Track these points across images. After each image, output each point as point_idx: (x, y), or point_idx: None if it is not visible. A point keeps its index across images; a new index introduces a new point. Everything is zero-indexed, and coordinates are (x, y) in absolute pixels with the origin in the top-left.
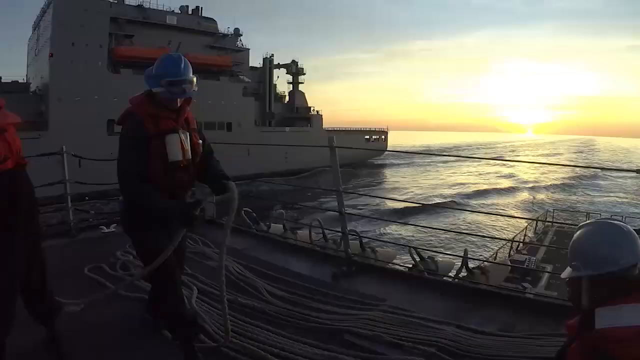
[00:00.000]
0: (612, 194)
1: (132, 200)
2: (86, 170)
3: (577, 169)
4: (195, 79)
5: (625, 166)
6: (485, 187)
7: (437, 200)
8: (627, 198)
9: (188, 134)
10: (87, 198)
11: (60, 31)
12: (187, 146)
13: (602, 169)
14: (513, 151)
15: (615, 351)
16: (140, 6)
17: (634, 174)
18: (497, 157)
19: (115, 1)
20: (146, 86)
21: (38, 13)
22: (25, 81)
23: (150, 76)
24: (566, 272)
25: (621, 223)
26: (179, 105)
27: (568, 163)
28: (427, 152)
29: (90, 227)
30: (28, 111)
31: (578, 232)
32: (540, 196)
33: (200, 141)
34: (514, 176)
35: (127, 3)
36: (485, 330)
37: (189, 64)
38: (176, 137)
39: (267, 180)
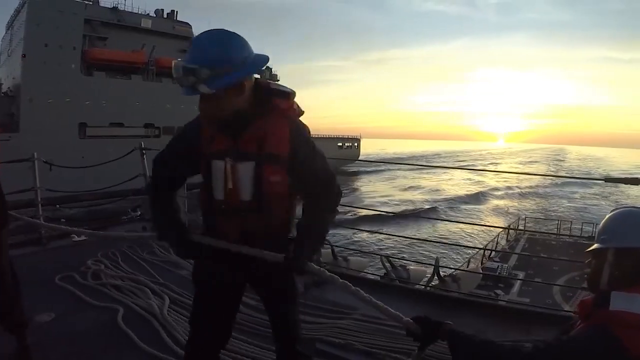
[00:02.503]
0: (580, 200)
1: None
2: (57, 174)
3: (547, 176)
4: (207, 72)
5: (595, 173)
6: (457, 195)
7: (409, 209)
8: (596, 203)
9: (253, 163)
10: (58, 206)
11: (33, 32)
12: (237, 182)
13: (573, 177)
14: (484, 160)
15: (621, 334)
16: (114, 8)
17: (602, 182)
18: (468, 165)
19: (90, 2)
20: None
21: (12, 13)
22: None
23: None
24: (592, 247)
25: None
26: (218, 108)
27: (539, 172)
28: (399, 162)
29: (61, 235)
30: None
31: (610, 213)
32: (512, 203)
33: (279, 178)
34: (485, 184)
35: (101, 5)
36: None
37: (224, 47)
38: (220, 166)
39: None
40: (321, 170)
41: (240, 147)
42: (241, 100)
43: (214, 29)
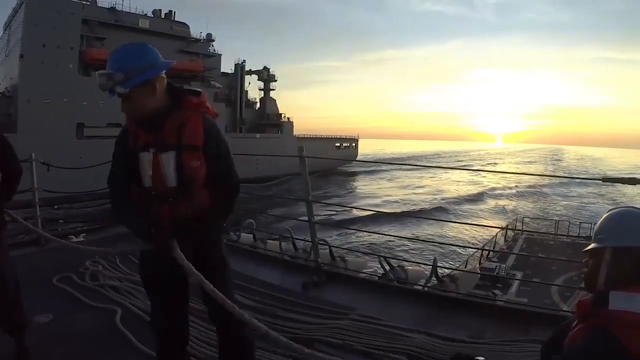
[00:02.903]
0: (578, 200)
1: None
2: (55, 174)
3: (545, 176)
4: (121, 76)
5: (593, 173)
6: (456, 195)
7: (407, 209)
8: (593, 203)
9: (174, 152)
10: (55, 207)
11: (31, 32)
12: (162, 170)
13: (571, 177)
14: (482, 160)
15: (620, 334)
16: (112, 8)
17: (600, 182)
18: (466, 165)
19: (88, 3)
20: None
21: (9, 13)
22: None
23: None
24: (589, 246)
25: None
26: (137, 107)
27: (537, 172)
28: (397, 162)
29: (60, 236)
30: None
31: (607, 213)
32: (510, 203)
33: (198, 163)
34: (483, 184)
35: (99, 5)
36: (455, 337)
37: (133, 54)
38: (145, 157)
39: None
40: (226, 162)
41: (161, 139)
42: (155, 99)
43: (127, 43)
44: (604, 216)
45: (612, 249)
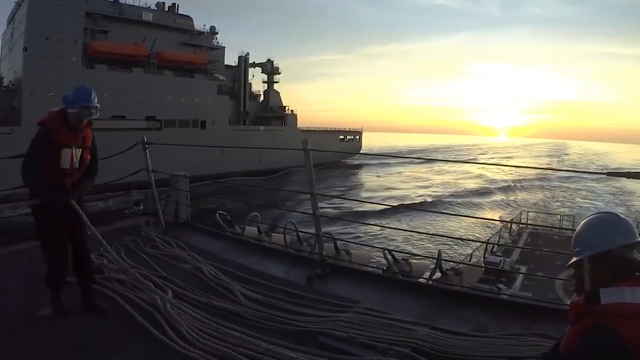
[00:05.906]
0: (583, 194)
1: (26, 185)
2: None
3: (549, 170)
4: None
5: (598, 167)
6: (462, 188)
7: (412, 202)
8: (598, 197)
9: (81, 150)
10: None
11: (34, 25)
12: (76, 160)
13: (575, 171)
14: (485, 152)
15: (615, 325)
16: (115, 1)
17: (604, 176)
18: (469, 159)
19: None
20: (62, 105)
21: (13, 7)
22: None
23: (67, 99)
24: (571, 261)
25: (617, 213)
26: (85, 123)
27: (542, 166)
28: (399, 156)
29: None
30: (0, 106)
31: (579, 226)
32: (515, 197)
33: (89, 156)
34: (487, 177)
35: None
36: (459, 330)
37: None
38: (69, 151)
39: (240, 181)
40: (95, 157)
41: (76, 141)
42: None
43: (86, 86)
44: (577, 229)
45: (588, 258)
